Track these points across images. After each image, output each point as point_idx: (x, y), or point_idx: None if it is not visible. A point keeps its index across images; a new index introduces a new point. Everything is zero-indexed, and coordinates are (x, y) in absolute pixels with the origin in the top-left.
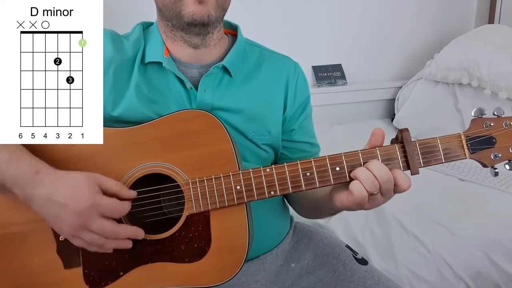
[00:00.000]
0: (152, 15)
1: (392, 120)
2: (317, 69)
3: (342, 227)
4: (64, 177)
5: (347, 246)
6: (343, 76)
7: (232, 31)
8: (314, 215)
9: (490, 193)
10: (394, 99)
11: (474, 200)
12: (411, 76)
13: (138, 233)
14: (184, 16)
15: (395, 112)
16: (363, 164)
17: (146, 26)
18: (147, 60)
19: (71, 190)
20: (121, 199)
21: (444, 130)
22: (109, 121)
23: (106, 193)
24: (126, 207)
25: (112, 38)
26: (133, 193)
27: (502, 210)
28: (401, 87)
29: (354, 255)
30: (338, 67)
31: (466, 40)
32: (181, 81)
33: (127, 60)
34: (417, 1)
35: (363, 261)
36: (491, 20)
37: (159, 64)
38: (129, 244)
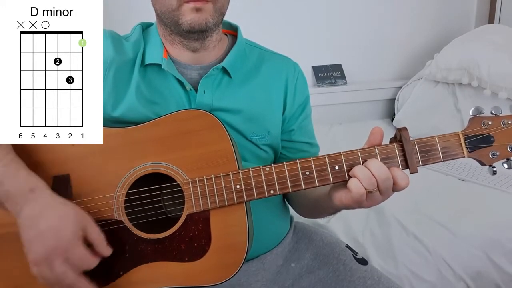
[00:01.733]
0: (151, 15)
1: (392, 120)
2: (317, 69)
3: (342, 227)
4: (56, 205)
5: (347, 246)
6: (343, 76)
7: (232, 31)
8: (314, 215)
9: (490, 193)
10: (394, 99)
11: (474, 200)
12: (411, 76)
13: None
14: (182, 25)
15: (395, 112)
16: (362, 163)
17: (146, 27)
18: (146, 61)
19: (56, 221)
20: (95, 251)
21: (444, 130)
22: (110, 122)
23: (86, 238)
24: (92, 264)
25: (112, 39)
26: (108, 252)
27: (502, 210)
28: (401, 87)
29: (354, 255)
30: (338, 67)
31: (466, 40)
32: (180, 82)
33: (127, 61)
34: (417, 1)
35: (363, 261)
36: (491, 20)
37: (159, 65)
38: None
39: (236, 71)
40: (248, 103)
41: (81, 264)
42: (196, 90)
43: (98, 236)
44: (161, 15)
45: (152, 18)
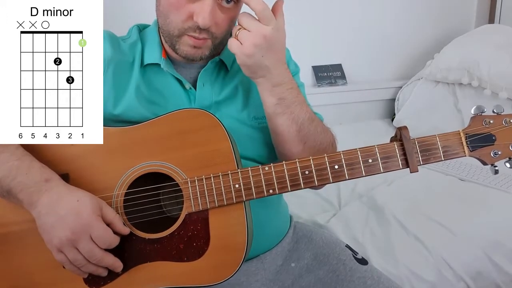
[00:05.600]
0: (150, 16)
1: (392, 120)
2: (317, 69)
3: (342, 227)
4: (72, 191)
5: (347, 246)
6: (343, 76)
7: None
8: (294, 140)
9: (490, 193)
10: (394, 99)
11: (474, 200)
12: (411, 76)
13: (117, 265)
14: (178, 51)
15: (395, 112)
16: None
17: (143, 28)
18: (145, 62)
19: (74, 204)
20: (114, 232)
21: (444, 130)
22: (111, 121)
23: (103, 218)
24: (115, 241)
25: (111, 40)
26: (127, 230)
27: (502, 210)
28: (401, 87)
29: (354, 255)
30: (338, 67)
31: (466, 40)
32: (180, 81)
33: (125, 61)
34: (417, 1)
35: (363, 261)
36: (491, 20)
37: (158, 65)
38: (104, 273)
39: (232, 63)
40: (245, 89)
41: (105, 239)
42: (195, 88)
43: (114, 215)
44: (161, 31)
45: (150, 19)
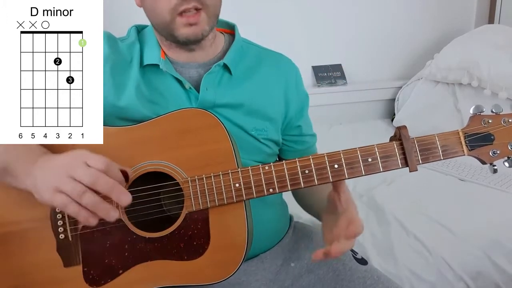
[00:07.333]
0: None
1: (392, 120)
2: (317, 69)
3: None
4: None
5: None
6: (343, 76)
7: (229, 30)
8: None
9: (490, 193)
10: (394, 99)
11: (474, 200)
12: (411, 76)
13: (126, 198)
14: (178, 37)
15: (395, 112)
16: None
17: (141, 29)
18: (145, 62)
19: (68, 154)
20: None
21: (444, 130)
22: (115, 117)
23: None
24: (112, 164)
25: (108, 39)
26: (124, 173)
27: (502, 210)
28: (401, 87)
29: (354, 255)
30: (338, 67)
31: (466, 40)
32: (179, 82)
33: (122, 60)
34: (417, 1)
35: (363, 261)
36: (491, 20)
37: (157, 66)
38: (114, 210)
39: (236, 67)
40: (249, 98)
41: (103, 160)
42: (195, 89)
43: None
44: (156, 27)
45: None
